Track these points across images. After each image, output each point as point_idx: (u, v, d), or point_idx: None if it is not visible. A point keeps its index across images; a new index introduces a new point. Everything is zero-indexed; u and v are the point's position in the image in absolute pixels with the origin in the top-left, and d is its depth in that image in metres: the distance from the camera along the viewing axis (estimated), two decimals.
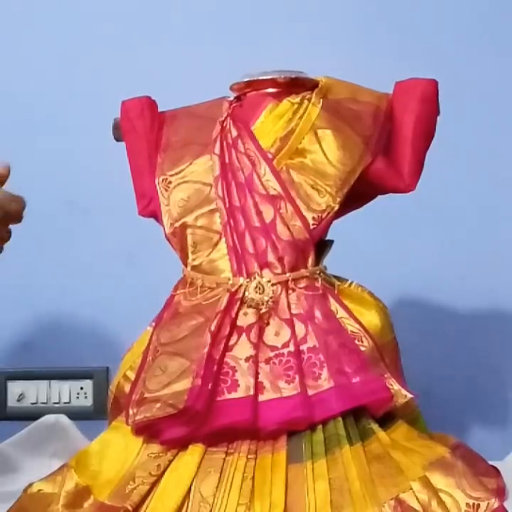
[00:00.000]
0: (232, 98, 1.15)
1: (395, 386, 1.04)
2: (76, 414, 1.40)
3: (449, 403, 1.44)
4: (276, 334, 1.04)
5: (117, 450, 1.05)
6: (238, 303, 1.05)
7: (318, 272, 1.08)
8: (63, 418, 1.32)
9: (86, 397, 1.51)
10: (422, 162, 1.11)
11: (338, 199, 1.07)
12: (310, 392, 1.02)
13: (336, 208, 1.07)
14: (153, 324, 1.11)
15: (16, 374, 1.51)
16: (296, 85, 1.12)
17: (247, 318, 1.04)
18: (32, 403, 1.51)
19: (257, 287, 1.05)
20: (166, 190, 1.10)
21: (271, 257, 1.06)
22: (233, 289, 1.05)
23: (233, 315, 1.04)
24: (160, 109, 1.17)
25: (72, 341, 1.52)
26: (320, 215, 1.06)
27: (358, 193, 1.10)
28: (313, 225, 1.06)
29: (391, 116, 1.11)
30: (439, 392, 1.42)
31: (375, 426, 1.03)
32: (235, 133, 1.10)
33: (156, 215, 1.13)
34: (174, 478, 1.00)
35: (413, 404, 1.08)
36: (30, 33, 1.52)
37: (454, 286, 1.49)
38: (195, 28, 1.51)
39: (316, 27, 1.50)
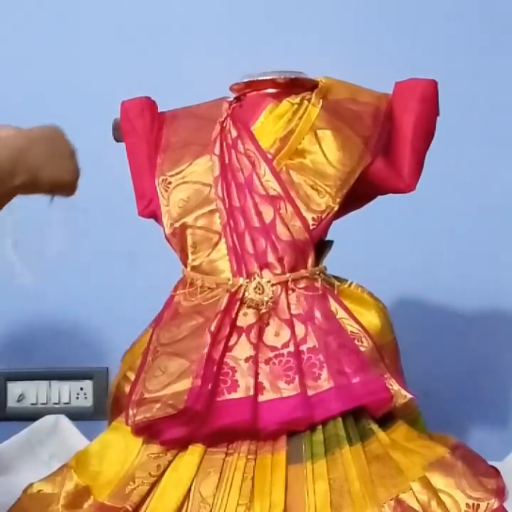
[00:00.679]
0: (231, 98, 1.15)
1: (394, 386, 1.04)
2: (76, 415, 1.40)
3: (449, 403, 1.44)
4: (276, 334, 1.04)
5: (117, 450, 1.05)
6: (238, 303, 1.05)
7: (318, 273, 1.08)
8: (63, 418, 1.32)
9: (86, 397, 1.51)
10: (422, 162, 1.11)
11: (338, 199, 1.07)
12: (310, 392, 1.02)
13: (336, 208, 1.07)
14: (153, 324, 1.11)
15: (16, 374, 1.51)
16: (295, 86, 1.12)
17: (246, 318, 1.04)
18: (32, 404, 1.51)
19: (256, 288, 1.05)
20: (166, 191, 1.10)
21: (271, 258, 1.06)
22: (233, 290, 1.05)
23: (233, 315, 1.04)
24: (160, 110, 1.17)
25: (72, 341, 1.52)
26: (320, 215, 1.06)
27: (357, 194, 1.10)
28: (313, 225, 1.06)
29: (391, 117, 1.11)
30: (439, 392, 1.42)
31: (374, 426, 1.03)
32: (234, 133, 1.10)
33: (156, 216, 1.13)
34: (174, 478, 1.00)
35: (413, 404, 1.08)
36: (30, 33, 1.51)
37: (454, 286, 1.49)
38: (195, 29, 1.51)
39: (316, 27, 1.50)
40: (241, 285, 1.05)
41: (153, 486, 0.99)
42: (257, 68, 1.13)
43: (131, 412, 1.03)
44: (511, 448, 1.26)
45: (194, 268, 1.09)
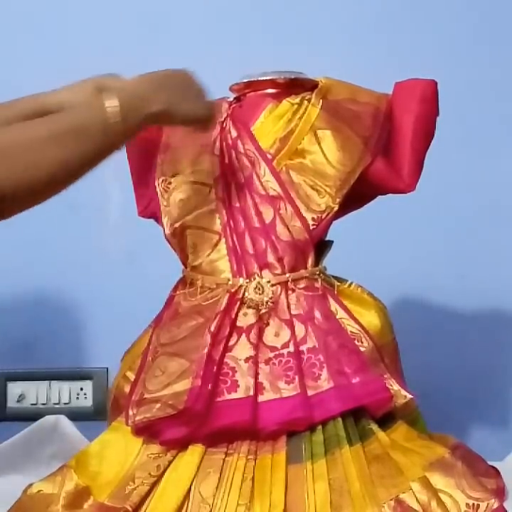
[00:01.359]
0: (231, 99, 1.15)
1: (394, 386, 1.04)
2: (76, 415, 1.40)
3: (448, 403, 1.44)
4: (275, 335, 1.04)
5: (117, 451, 1.05)
6: (238, 303, 1.05)
7: (317, 273, 1.08)
8: (63, 419, 1.33)
9: (86, 397, 1.51)
10: (422, 162, 1.11)
11: (338, 199, 1.07)
12: (310, 392, 1.02)
13: (336, 208, 1.07)
14: (153, 325, 1.11)
15: (16, 375, 1.51)
16: (295, 86, 1.12)
17: (246, 318, 1.04)
18: (32, 404, 1.51)
19: (256, 288, 1.05)
20: (166, 191, 1.10)
21: (271, 258, 1.06)
22: (233, 290, 1.05)
23: (233, 315, 1.04)
24: None
25: (72, 342, 1.52)
26: (319, 215, 1.06)
27: (357, 194, 1.10)
28: (312, 225, 1.06)
29: (390, 117, 1.11)
30: (439, 392, 1.42)
31: (374, 426, 1.03)
32: (234, 133, 1.10)
33: (155, 216, 1.13)
34: (174, 478, 1.00)
35: (413, 404, 1.08)
36: (30, 33, 1.51)
37: (454, 286, 1.49)
38: (195, 29, 1.51)
39: (316, 27, 1.50)
40: (241, 285, 1.05)
41: (153, 486, 0.99)
42: (256, 68, 1.13)
43: (131, 412, 1.03)
44: (511, 448, 1.26)
45: (194, 268, 1.09)
